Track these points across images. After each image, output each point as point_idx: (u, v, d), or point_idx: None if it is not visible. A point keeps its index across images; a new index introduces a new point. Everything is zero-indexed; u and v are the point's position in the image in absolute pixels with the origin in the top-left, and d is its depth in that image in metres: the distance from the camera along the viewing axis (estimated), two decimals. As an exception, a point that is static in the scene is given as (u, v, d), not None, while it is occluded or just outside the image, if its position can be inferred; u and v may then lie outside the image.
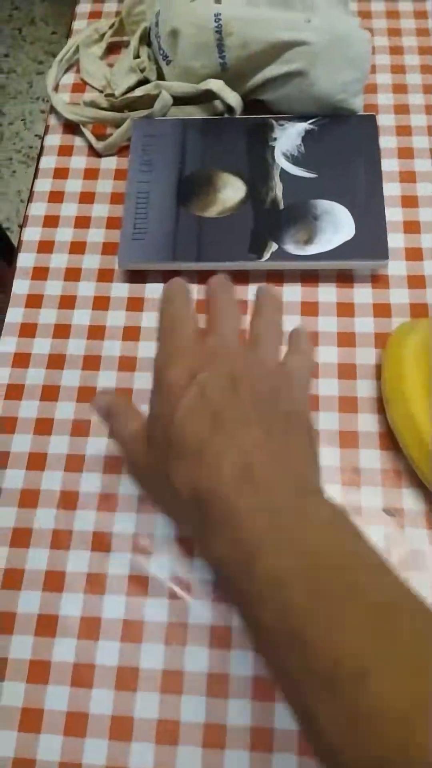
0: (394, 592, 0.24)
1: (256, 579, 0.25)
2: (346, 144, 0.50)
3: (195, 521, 0.28)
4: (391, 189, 0.51)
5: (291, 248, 0.46)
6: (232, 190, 0.49)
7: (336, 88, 0.50)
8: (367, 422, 0.43)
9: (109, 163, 0.54)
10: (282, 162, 0.50)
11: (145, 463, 0.31)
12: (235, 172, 0.50)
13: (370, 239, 0.46)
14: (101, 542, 0.40)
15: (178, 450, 0.28)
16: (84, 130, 0.54)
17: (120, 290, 0.49)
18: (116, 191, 0.53)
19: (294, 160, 0.50)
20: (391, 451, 0.42)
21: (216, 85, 0.50)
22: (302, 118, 0.52)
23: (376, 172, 0.49)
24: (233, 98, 0.51)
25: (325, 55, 0.48)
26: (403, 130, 0.54)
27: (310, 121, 0.51)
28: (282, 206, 0.48)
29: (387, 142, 0.53)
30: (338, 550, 0.25)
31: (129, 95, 0.53)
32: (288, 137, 0.51)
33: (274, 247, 0.46)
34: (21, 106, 1.76)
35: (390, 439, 0.42)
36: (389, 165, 0.52)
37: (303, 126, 0.51)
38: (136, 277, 0.49)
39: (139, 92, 0.53)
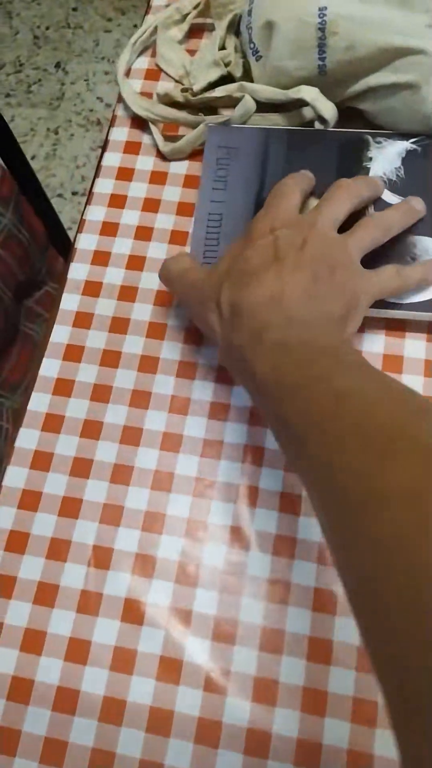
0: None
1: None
2: None
3: (227, 331, 0.35)
4: None
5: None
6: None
7: None
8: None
9: (179, 167, 0.48)
10: None
11: (198, 285, 0.37)
12: (321, 195, 0.43)
13: None
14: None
15: (235, 273, 0.35)
16: (152, 127, 0.49)
17: (178, 318, 0.43)
18: (184, 200, 0.47)
19: (391, 185, 0.43)
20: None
21: (310, 93, 0.43)
22: (404, 135, 0.45)
23: None
24: (328, 110, 0.44)
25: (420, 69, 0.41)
26: None
27: (413, 140, 0.44)
28: None
29: None
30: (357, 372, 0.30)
31: (208, 94, 0.47)
32: (386, 157, 0.44)
33: None
34: (85, 65, 1.69)
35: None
36: None
37: (404, 145, 0.44)
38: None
39: (219, 92, 0.47)
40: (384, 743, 0.33)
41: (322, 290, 0.34)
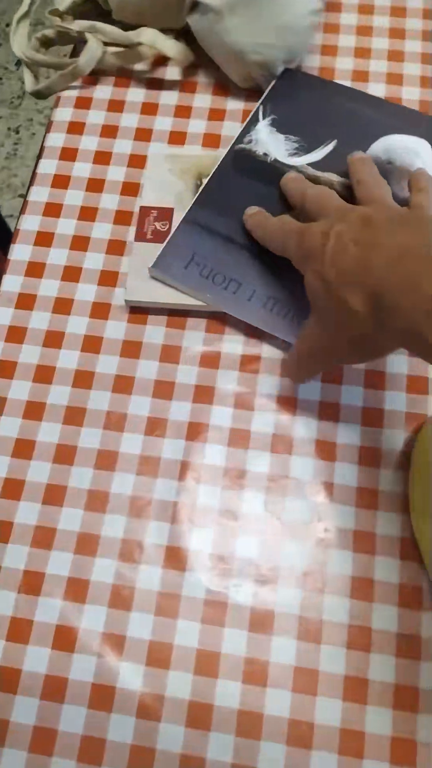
0: None
1: None
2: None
3: (367, 323, 0.31)
4: None
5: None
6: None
7: (249, 46, 0.45)
8: (387, 524, 0.37)
9: (118, 173, 0.47)
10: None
11: (321, 320, 0.35)
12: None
13: None
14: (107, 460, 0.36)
15: (342, 283, 0.32)
16: (25, 69, 0.51)
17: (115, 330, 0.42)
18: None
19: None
20: (412, 562, 0.36)
21: (148, 36, 0.46)
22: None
23: None
24: (171, 48, 0.47)
25: (245, 6, 0.44)
26: None
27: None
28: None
29: None
30: None
31: (67, 24, 0.49)
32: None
33: None
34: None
35: (413, 549, 0.36)
36: None
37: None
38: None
39: (76, 26, 0.49)
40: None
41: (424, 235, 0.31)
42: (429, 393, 0.40)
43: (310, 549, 0.36)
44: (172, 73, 0.50)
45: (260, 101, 0.45)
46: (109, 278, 0.44)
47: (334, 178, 0.42)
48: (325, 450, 0.39)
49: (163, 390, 0.40)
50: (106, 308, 0.43)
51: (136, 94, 0.50)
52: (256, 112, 0.45)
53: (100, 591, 0.36)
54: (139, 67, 0.51)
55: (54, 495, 0.38)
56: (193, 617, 0.35)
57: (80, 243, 0.45)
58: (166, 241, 0.41)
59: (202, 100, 0.49)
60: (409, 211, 0.33)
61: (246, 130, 0.44)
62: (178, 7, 0.47)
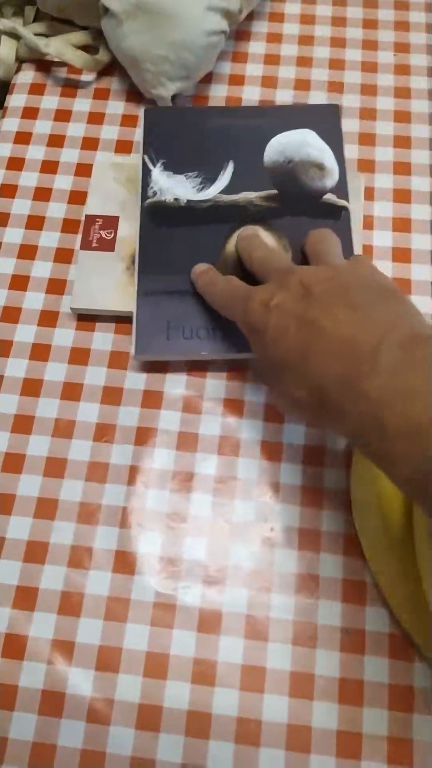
0: None
1: (390, 438, 0.26)
2: None
3: (318, 415, 0.30)
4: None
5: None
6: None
7: (144, 55, 0.46)
8: (332, 522, 0.38)
9: (66, 184, 0.47)
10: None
11: (271, 377, 0.34)
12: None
13: None
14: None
15: (285, 368, 0.31)
16: None
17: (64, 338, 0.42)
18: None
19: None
20: (356, 558, 0.37)
21: (56, 47, 0.48)
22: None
23: None
24: (77, 59, 0.49)
25: (142, 15, 0.45)
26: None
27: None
28: None
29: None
30: None
31: None
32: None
33: None
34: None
35: (356, 545, 0.37)
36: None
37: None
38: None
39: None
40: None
41: (370, 305, 0.30)
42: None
43: (256, 549, 0.37)
44: (117, 83, 0.51)
45: (141, 153, 0.44)
46: (57, 286, 0.44)
47: (250, 195, 0.43)
48: (271, 451, 0.39)
49: (112, 396, 0.41)
50: (54, 316, 0.43)
51: (82, 104, 0.50)
52: (144, 163, 0.44)
53: (49, 598, 0.36)
54: (86, 77, 0.51)
55: (2, 504, 0.38)
56: (143, 620, 0.35)
57: (28, 251, 0.45)
58: (133, 324, 0.40)
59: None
60: (349, 274, 0.32)
61: (145, 184, 0.43)
62: (95, 8, 0.48)
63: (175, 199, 0.43)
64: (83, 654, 0.35)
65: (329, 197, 0.43)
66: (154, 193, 0.43)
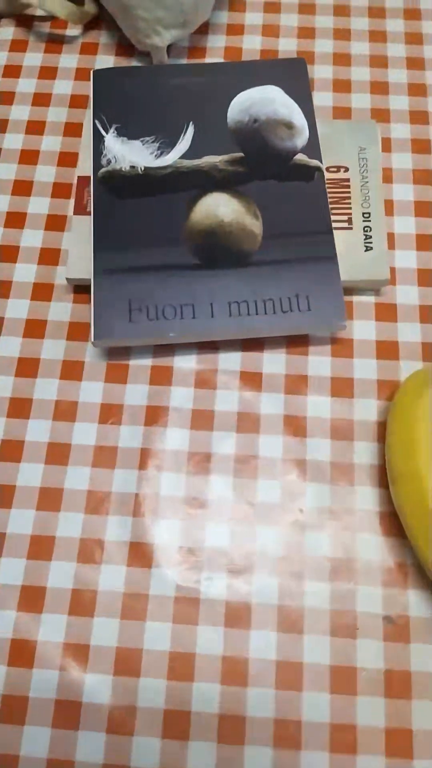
0: None
1: None
2: None
3: None
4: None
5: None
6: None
7: (136, 0, 0.41)
8: (367, 499, 0.34)
9: (54, 143, 0.43)
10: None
11: None
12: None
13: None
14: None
15: None
16: None
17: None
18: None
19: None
20: (396, 538, 0.33)
21: None
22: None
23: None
24: (60, 9, 0.44)
25: None
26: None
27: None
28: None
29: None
30: None
31: None
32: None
33: None
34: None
35: (395, 524, 0.34)
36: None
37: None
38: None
39: None
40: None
41: None
42: (400, 358, 0.37)
43: (285, 532, 0.34)
44: (106, 37, 0.47)
45: (92, 117, 0.40)
46: (50, 256, 0.40)
47: (214, 159, 0.39)
48: (295, 426, 0.36)
49: (117, 374, 0.37)
50: (48, 289, 0.39)
51: (69, 60, 0.46)
52: (95, 128, 0.40)
53: (58, 598, 0.32)
54: (71, 31, 0.47)
55: (1, 496, 0.34)
56: (164, 617, 0.32)
57: (16, 220, 0.41)
58: (91, 305, 0.36)
59: (140, 63, 0.46)
60: None
61: (97, 152, 0.39)
62: None
63: (132, 167, 0.39)
64: (99, 658, 0.31)
65: (300, 157, 0.39)
66: (108, 162, 0.39)
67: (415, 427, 0.32)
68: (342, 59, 0.45)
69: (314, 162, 0.39)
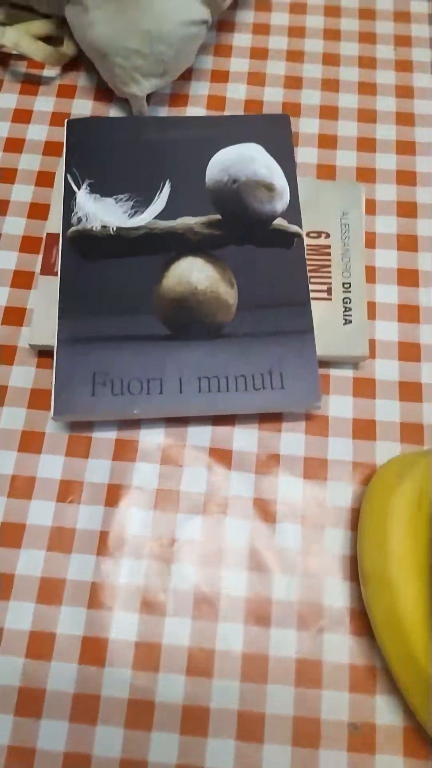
0: None
1: None
2: None
3: None
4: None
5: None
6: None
7: (113, 47, 0.39)
8: (336, 594, 0.32)
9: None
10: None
11: None
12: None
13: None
14: None
15: None
16: None
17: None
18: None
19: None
20: (365, 638, 0.32)
21: (11, 38, 0.42)
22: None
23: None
24: (36, 51, 0.42)
25: (110, 1, 0.39)
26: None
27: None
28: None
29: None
30: None
31: None
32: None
33: None
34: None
35: (364, 623, 0.32)
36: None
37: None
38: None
39: None
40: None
41: None
42: (377, 439, 0.35)
43: (250, 630, 0.32)
44: (85, 79, 0.45)
45: (64, 172, 0.38)
46: (14, 316, 0.38)
47: (190, 221, 0.37)
48: (264, 509, 0.34)
49: (79, 447, 0.35)
50: (11, 351, 0.37)
51: (45, 103, 0.44)
52: (67, 183, 0.37)
53: (3, 696, 0.30)
54: (49, 72, 0.45)
55: None
56: (117, 721, 0.30)
57: None
58: (53, 377, 0.34)
59: (119, 109, 0.44)
60: None
61: (68, 209, 0.37)
62: None
63: (103, 227, 0.37)
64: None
65: (279, 222, 0.37)
66: (79, 220, 0.37)
67: (387, 525, 0.30)
68: (329, 112, 0.44)
69: (294, 228, 0.37)
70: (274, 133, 0.39)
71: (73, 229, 0.37)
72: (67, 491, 0.34)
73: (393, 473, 0.32)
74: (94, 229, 0.37)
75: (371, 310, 0.38)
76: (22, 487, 0.34)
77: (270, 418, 0.36)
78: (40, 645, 0.31)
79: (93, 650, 0.31)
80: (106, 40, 0.39)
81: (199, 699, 0.30)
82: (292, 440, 0.35)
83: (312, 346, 0.35)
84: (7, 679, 0.31)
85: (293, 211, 0.37)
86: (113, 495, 0.34)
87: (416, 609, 0.28)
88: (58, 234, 0.38)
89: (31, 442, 0.35)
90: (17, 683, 0.31)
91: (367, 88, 0.45)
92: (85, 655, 0.31)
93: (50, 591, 0.32)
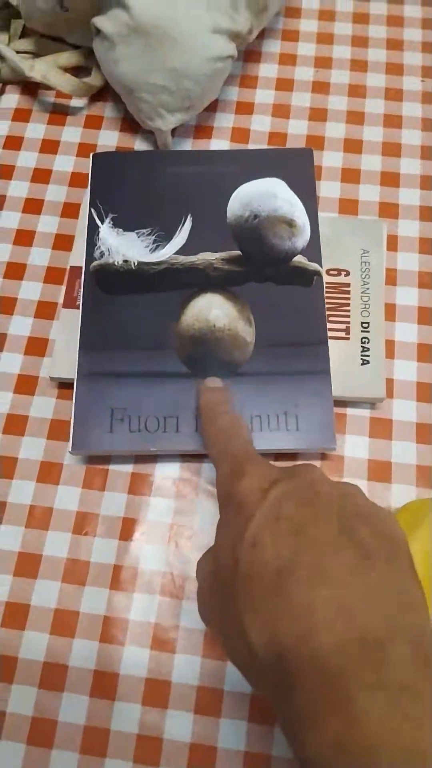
0: None
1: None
2: None
3: (278, 692, 0.20)
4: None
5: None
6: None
7: (139, 83, 0.40)
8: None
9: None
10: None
11: (214, 605, 0.23)
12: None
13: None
14: None
15: (250, 584, 0.21)
16: None
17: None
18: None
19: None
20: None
21: (41, 70, 0.43)
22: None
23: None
24: (65, 84, 0.43)
25: (137, 38, 0.39)
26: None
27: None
28: None
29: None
30: None
31: None
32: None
33: None
34: None
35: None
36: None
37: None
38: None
39: None
40: None
41: (384, 573, 0.20)
42: (392, 481, 0.35)
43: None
44: (111, 110, 0.46)
45: (88, 206, 0.38)
46: (36, 347, 0.39)
47: (210, 257, 0.37)
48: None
49: (95, 479, 0.36)
50: (33, 382, 0.38)
51: (72, 133, 0.45)
52: (91, 217, 0.38)
53: (17, 724, 0.31)
54: (76, 103, 0.46)
55: (-33, 607, 0.33)
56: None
57: (5, 305, 0.40)
58: (72, 411, 0.34)
59: (144, 140, 0.44)
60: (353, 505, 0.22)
61: (91, 243, 0.38)
62: (87, 27, 0.42)
63: (125, 261, 0.37)
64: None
65: (299, 259, 0.37)
66: (101, 254, 0.37)
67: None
68: (353, 146, 0.44)
69: (314, 266, 0.37)
70: (297, 167, 0.40)
71: (95, 263, 0.37)
72: (83, 523, 0.35)
73: (407, 522, 0.32)
74: (116, 263, 0.37)
75: (390, 348, 0.38)
76: (39, 518, 0.35)
77: (285, 457, 0.36)
78: (53, 676, 0.32)
79: (103, 683, 0.32)
80: (133, 75, 0.40)
81: (208, 738, 0.31)
82: (306, 479, 0.35)
83: (328, 387, 0.35)
84: (21, 708, 0.31)
85: (314, 248, 0.38)
86: (127, 528, 0.35)
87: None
88: (81, 267, 0.39)
89: (49, 473, 0.36)
90: (30, 713, 0.31)
91: (392, 121, 0.45)
92: (96, 687, 0.32)
93: (64, 623, 0.33)
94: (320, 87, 0.46)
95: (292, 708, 0.19)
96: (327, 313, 0.37)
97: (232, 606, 0.21)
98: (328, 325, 0.37)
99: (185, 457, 0.36)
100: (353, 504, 0.22)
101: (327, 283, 0.38)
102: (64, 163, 0.44)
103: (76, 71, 0.46)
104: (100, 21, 0.40)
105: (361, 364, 0.36)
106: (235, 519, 0.23)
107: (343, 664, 0.18)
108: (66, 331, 0.37)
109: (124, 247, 0.38)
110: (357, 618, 0.19)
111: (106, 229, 0.38)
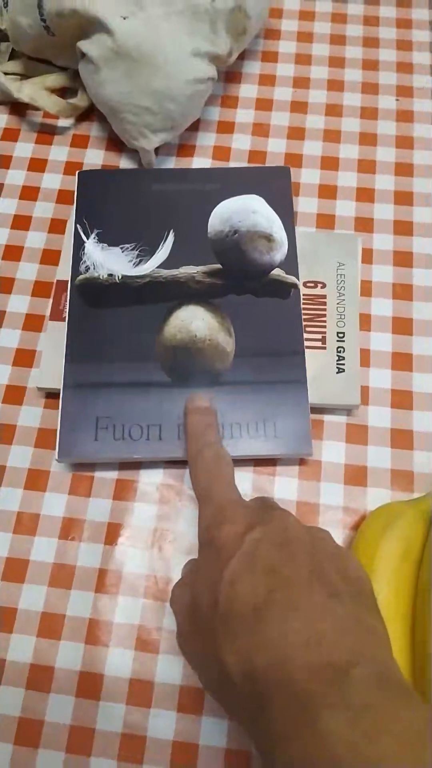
0: None
1: None
2: None
3: (251, 716, 0.22)
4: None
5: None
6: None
7: (123, 105, 0.42)
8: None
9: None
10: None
11: (191, 636, 0.25)
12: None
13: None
14: None
15: (229, 619, 0.23)
16: None
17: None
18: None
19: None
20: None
21: (28, 92, 0.45)
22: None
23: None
24: (52, 105, 0.45)
25: (120, 62, 0.41)
26: (404, 225, 0.43)
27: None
28: None
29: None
30: None
31: None
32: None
33: None
34: None
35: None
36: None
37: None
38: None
39: None
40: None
41: (351, 610, 0.22)
42: (368, 485, 0.37)
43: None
44: (97, 129, 0.47)
45: (73, 222, 0.40)
46: (25, 358, 0.40)
47: (192, 270, 0.39)
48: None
49: (81, 486, 0.37)
50: (20, 392, 0.39)
51: (59, 152, 0.46)
52: (77, 232, 0.39)
53: (2, 725, 0.32)
54: (63, 123, 0.47)
55: None
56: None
57: None
58: (58, 420, 0.36)
59: (129, 159, 0.46)
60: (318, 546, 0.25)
61: (77, 257, 0.39)
62: (73, 50, 0.44)
63: (109, 275, 0.39)
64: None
65: (277, 272, 0.39)
66: (87, 269, 0.39)
67: (373, 575, 0.31)
68: (330, 163, 0.45)
69: (291, 278, 0.39)
70: (275, 184, 0.41)
71: (81, 277, 0.39)
72: (69, 529, 0.36)
73: (381, 522, 0.33)
74: (101, 277, 0.39)
75: (365, 357, 0.40)
76: (26, 524, 0.36)
77: (264, 462, 0.37)
78: (40, 677, 0.33)
79: (89, 684, 0.33)
80: (117, 97, 0.42)
81: (190, 736, 0.32)
82: (285, 484, 0.37)
83: (305, 396, 0.36)
84: (8, 709, 0.32)
85: (291, 262, 0.39)
86: (112, 533, 0.36)
87: (398, 657, 0.29)
88: (67, 281, 0.40)
89: (36, 481, 0.37)
90: (17, 713, 0.32)
91: (368, 139, 0.46)
92: (81, 688, 0.33)
93: (50, 626, 0.34)
94: (298, 107, 0.48)
95: (264, 727, 0.21)
96: (304, 323, 0.39)
97: (210, 638, 0.23)
98: (305, 335, 0.38)
99: (168, 464, 0.37)
100: (323, 548, 0.25)
101: (304, 294, 0.40)
102: (52, 181, 0.45)
103: (63, 92, 0.48)
104: (85, 45, 0.42)
105: (337, 373, 0.37)
106: (216, 560, 0.25)
107: (312, 687, 0.20)
108: (53, 342, 0.39)
109: (109, 261, 0.39)
110: (325, 646, 0.21)
111: (91, 244, 0.39)
